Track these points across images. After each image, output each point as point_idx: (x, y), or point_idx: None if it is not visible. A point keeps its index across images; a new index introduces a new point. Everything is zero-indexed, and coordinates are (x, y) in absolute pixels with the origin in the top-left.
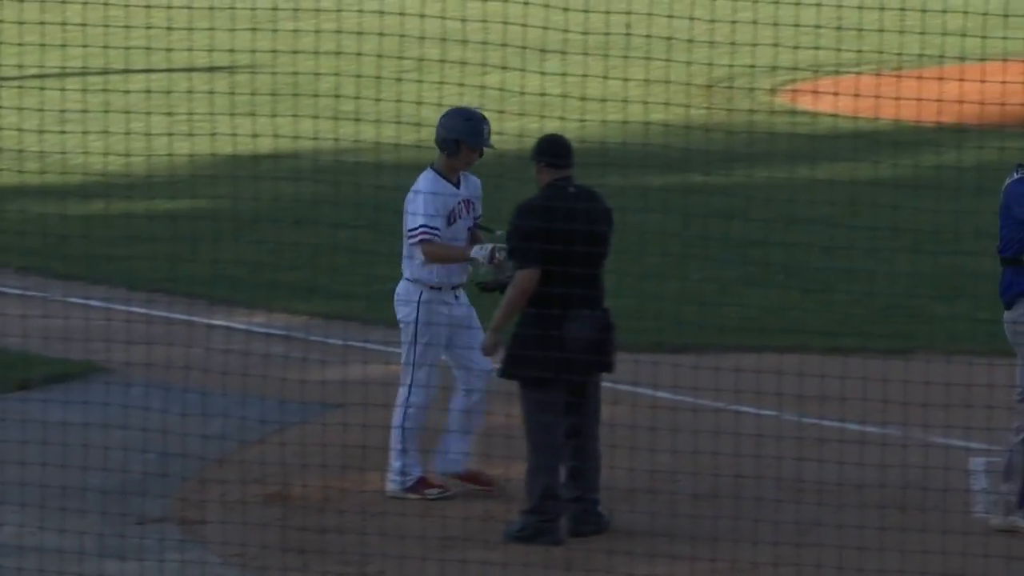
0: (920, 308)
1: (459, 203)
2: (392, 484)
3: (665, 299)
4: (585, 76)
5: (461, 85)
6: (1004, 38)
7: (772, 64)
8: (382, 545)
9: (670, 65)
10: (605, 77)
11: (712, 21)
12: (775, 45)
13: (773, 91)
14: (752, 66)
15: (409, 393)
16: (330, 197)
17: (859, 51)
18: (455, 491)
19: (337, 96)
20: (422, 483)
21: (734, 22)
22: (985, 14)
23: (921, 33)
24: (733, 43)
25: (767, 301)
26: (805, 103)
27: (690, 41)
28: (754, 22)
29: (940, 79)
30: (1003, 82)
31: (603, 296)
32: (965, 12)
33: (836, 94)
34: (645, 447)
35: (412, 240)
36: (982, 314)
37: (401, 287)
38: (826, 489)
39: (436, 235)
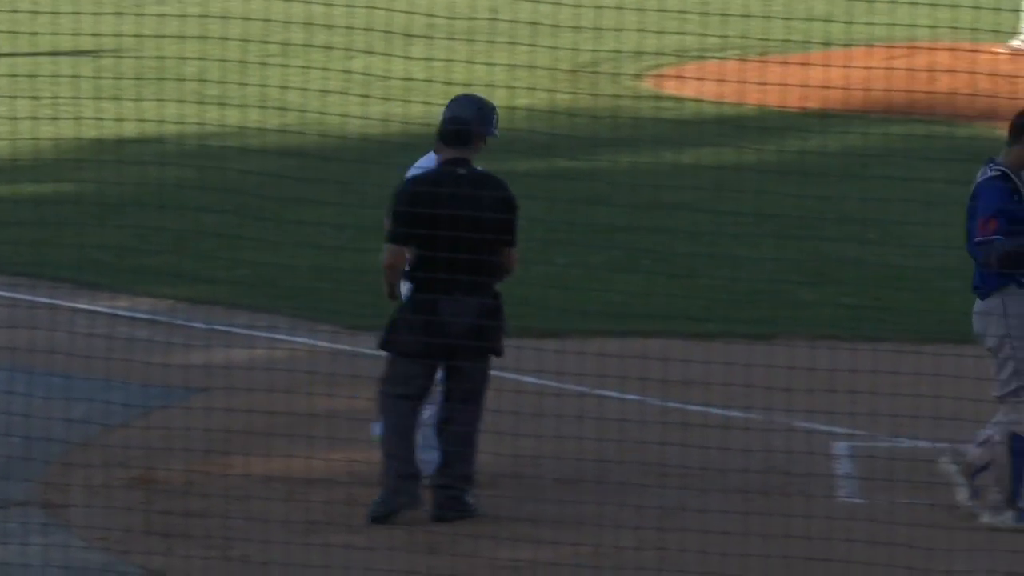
0: (784, 293)
1: None
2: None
3: (530, 284)
4: (450, 61)
5: (326, 70)
6: (869, 23)
7: (637, 49)
8: (245, 529)
9: (535, 50)
10: (470, 62)
11: (577, 6)
12: (640, 30)
13: (638, 76)
14: (617, 51)
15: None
16: (195, 182)
17: (724, 36)
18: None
19: (202, 80)
20: None
21: (599, 7)
22: (850, 0)
23: (786, 19)
24: (598, 28)
25: (632, 286)
26: (670, 88)
27: (555, 26)
28: (619, 7)
29: (805, 64)
30: (867, 68)
31: (486, 282)
32: None
33: (701, 79)
34: (509, 432)
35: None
36: (846, 299)
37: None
38: (689, 473)
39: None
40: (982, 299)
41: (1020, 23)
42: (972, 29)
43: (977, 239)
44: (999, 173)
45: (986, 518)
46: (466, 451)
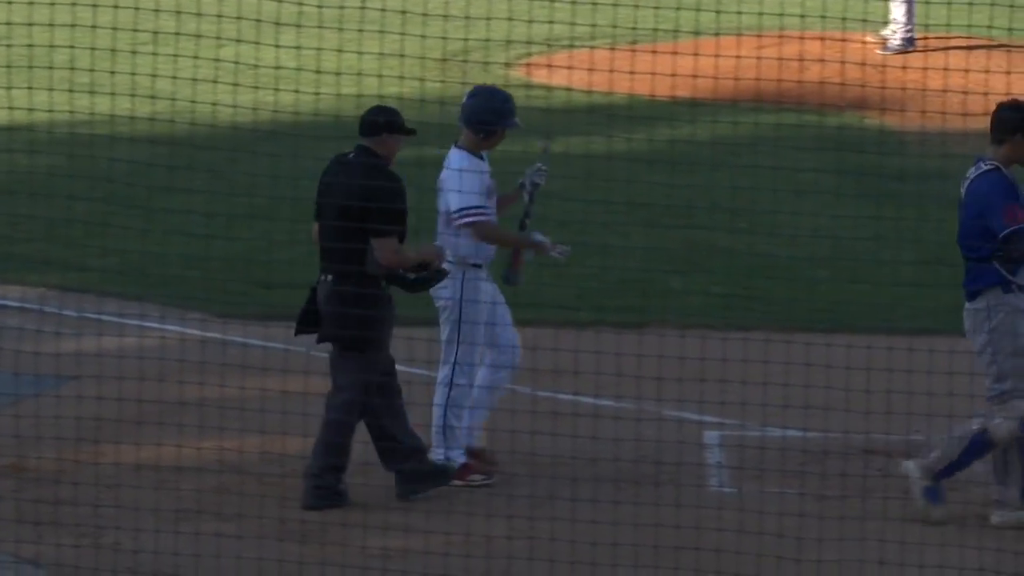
0: (655, 282)
1: (492, 179)
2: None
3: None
4: (320, 49)
5: (196, 58)
6: (738, 12)
7: (507, 38)
8: (116, 517)
9: (404, 38)
10: (340, 50)
11: None
12: (510, 19)
13: (508, 65)
14: (487, 40)
15: (453, 372)
16: (65, 169)
17: (594, 25)
18: (495, 477)
19: (72, 68)
20: (466, 469)
21: None
22: None
23: (656, 8)
24: (468, 17)
25: None
26: (540, 77)
27: (425, 15)
28: None
29: (674, 54)
30: (737, 57)
31: (353, 270)
32: None
33: (571, 68)
34: None
35: (464, 221)
36: (716, 288)
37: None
38: (560, 463)
39: (489, 215)
40: (969, 300)
41: (890, 12)
42: (842, 18)
43: (1008, 229)
44: (993, 167)
45: (996, 518)
46: (333, 440)
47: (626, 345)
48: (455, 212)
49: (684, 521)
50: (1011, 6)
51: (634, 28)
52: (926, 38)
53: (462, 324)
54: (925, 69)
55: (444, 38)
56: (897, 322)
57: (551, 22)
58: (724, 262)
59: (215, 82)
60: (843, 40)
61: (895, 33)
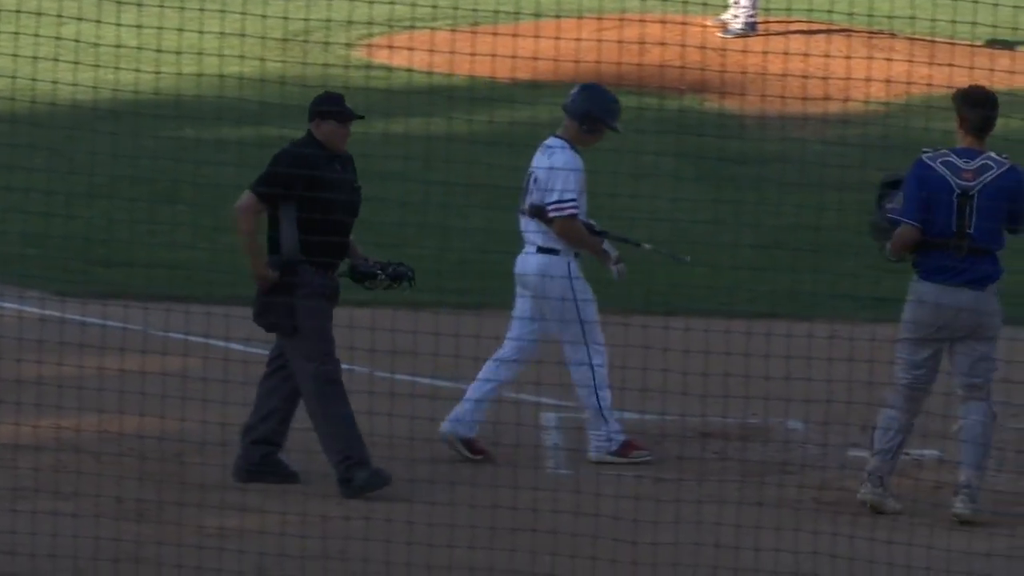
0: (494, 264)
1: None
2: (597, 451)
3: (238, 252)
4: (161, 28)
5: (37, 36)
6: None
7: (348, 18)
8: None
9: (246, 18)
10: (181, 29)
11: None
12: (351, 0)
13: (349, 45)
14: (328, 20)
15: (590, 355)
16: None
17: (435, 7)
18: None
19: None
20: (629, 446)
21: None
22: None
23: None
24: None
25: None
26: (381, 58)
27: None
28: None
29: (515, 36)
30: (577, 39)
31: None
32: None
33: (412, 49)
34: (217, 399)
35: (558, 212)
36: None
37: (546, 262)
38: (397, 443)
39: (575, 211)
40: (981, 289)
41: None
42: (683, 2)
43: None
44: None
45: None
46: (332, 430)
47: (465, 326)
48: (552, 203)
49: (521, 503)
50: None
51: (475, 10)
52: (767, 22)
53: (579, 303)
54: (765, 53)
55: (285, 18)
56: (735, 305)
57: (392, 3)
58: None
59: (56, 60)
60: (684, 23)
61: (737, 17)
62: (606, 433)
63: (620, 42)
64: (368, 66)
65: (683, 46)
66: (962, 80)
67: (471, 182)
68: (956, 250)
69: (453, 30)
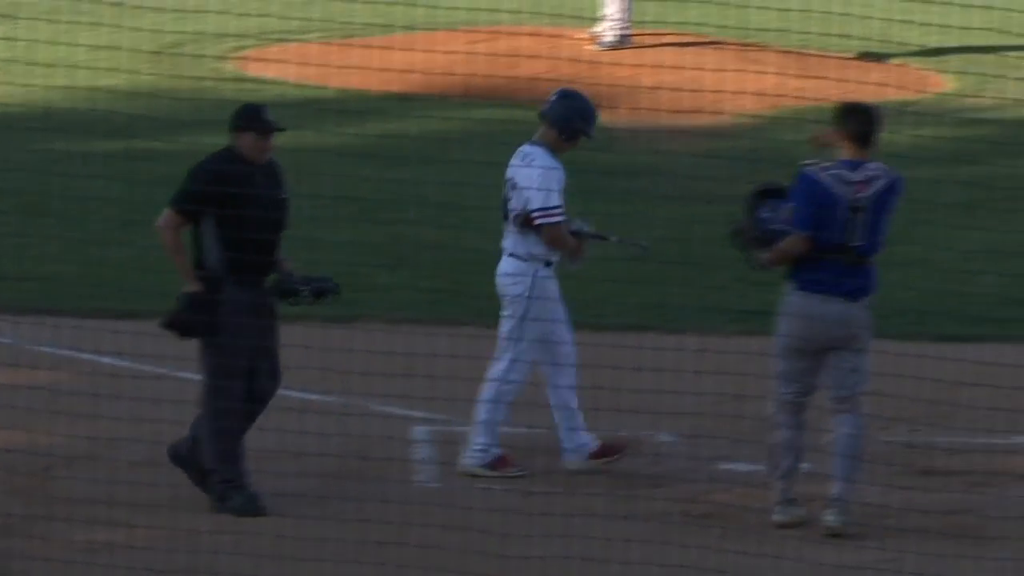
0: (363, 277)
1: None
2: (471, 460)
3: (108, 265)
4: (33, 41)
5: None
6: (452, 8)
7: (220, 31)
8: None
9: (118, 31)
10: (53, 42)
11: None
12: (223, 12)
13: (222, 58)
14: (200, 33)
15: (510, 368)
16: None
17: (307, 19)
18: (529, 471)
19: None
20: (502, 461)
21: None
22: None
23: (369, 2)
24: (181, 10)
25: None
26: (254, 70)
27: (138, 7)
28: None
29: (387, 48)
30: (449, 52)
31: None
32: None
33: (283, 61)
34: (87, 413)
35: (544, 220)
36: (423, 283)
37: (510, 266)
38: (266, 456)
39: (564, 218)
40: (858, 300)
41: (603, 8)
42: (556, 15)
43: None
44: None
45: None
46: (214, 441)
47: (334, 339)
48: (536, 210)
49: (390, 516)
50: (723, 4)
51: (347, 22)
52: (640, 35)
53: (527, 321)
54: (637, 66)
55: (157, 31)
56: (605, 318)
57: (264, 15)
58: (432, 257)
59: None
60: (556, 36)
61: (609, 29)
62: (483, 444)
63: (492, 55)
64: (240, 78)
65: (555, 59)
66: (834, 92)
67: (341, 195)
68: (845, 260)
69: (325, 42)
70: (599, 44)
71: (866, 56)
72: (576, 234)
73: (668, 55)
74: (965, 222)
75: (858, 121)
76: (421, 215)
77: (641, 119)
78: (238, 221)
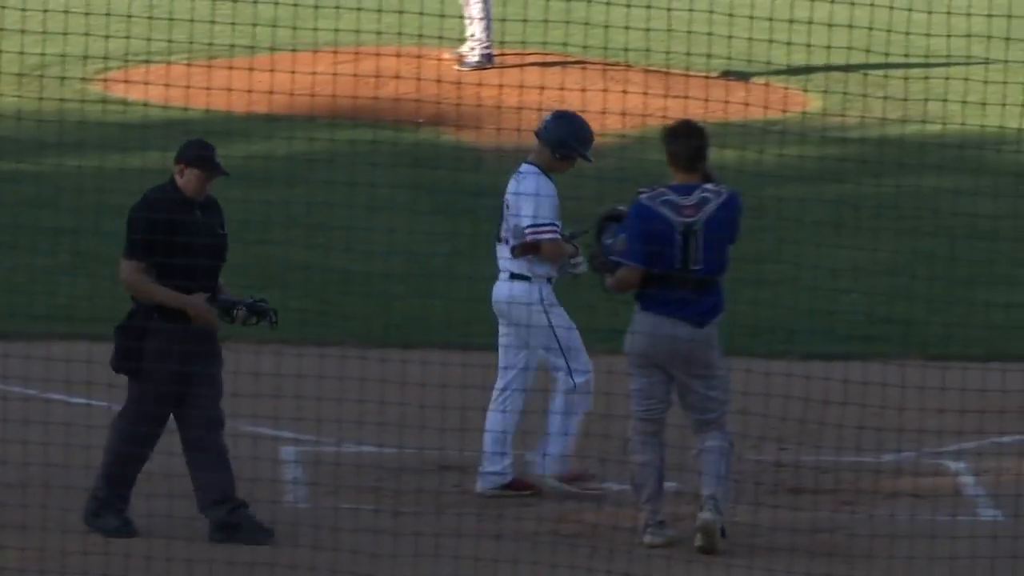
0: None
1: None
2: (488, 483)
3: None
4: None
5: None
6: (315, 29)
7: (84, 53)
8: None
9: None
10: None
11: (23, 9)
12: (87, 34)
13: (85, 80)
14: (64, 55)
15: (574, 380)
16: None
17: (170, 40)
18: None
19: None
20: (575, 476)
21: (46, 10)
22: (296, 4)
23: (232, 24)
24: (45, 32)
25: (78, 289)
26: (118, 91)
27: (2, 29)
28: (66, 11)
29: (251, 69)
30: (313, 73)
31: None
32: (255, 2)
33: (148, 83)
34: None
35: (537, 236)
36: (292, 303)
37: (516, 289)
38: (142, 479)
39: (559, 233)
40: (707, 324)
41: (467, 29)
42: (418, 35)
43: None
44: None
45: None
46: (108, 469)
47: None
48: (528, 227)
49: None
50: (586, 24)
51: (211, 44)
52: (503, 54)
53: (556, 330)
54: (501, 86)
55: (21, 53)
56: (473, 338)
57: (128, 37)
58: (300, 277)
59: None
60: (420, 56)
61: (473, 50)
62: (502, 467)
63: (356, 75)
64: (104, 100)
65: (419, 79)
66: (698, 112)
67: None
68: (682, 284)
69: (189, 64)
70: (464, 64)
71: (730, 75)
72: (570, 239)
73: (532, 75)
74: (832, 240)
75: (680, 145)
76: (288, 235)
77: (507, 139)
78: (177, 252)
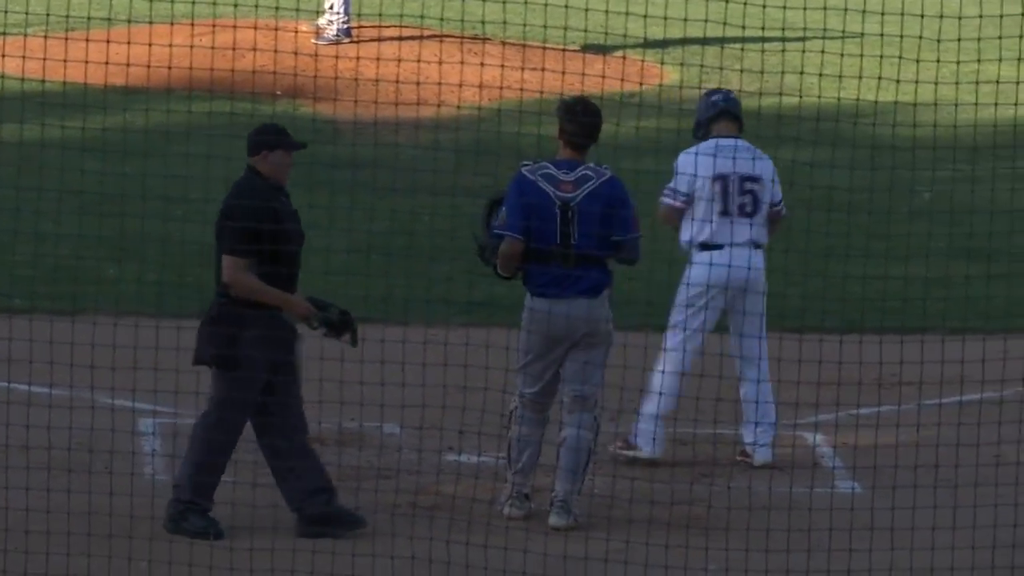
0: (89, 270)
1: None
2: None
3: None
4: None
5: None
6: (172, 1)
7: None
8: None
9: None
10: None
11: None
12: None
13: None
14: None
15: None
16: None
17: (26, 12)
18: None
19: None
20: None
21: None
22: None
23: None
24: None
25: None
26: None
27: None
28: None
29: (108, 41)
30: (170, 45)
31: (220, 286)
32: None
33: (4, 56)
34: None
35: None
36: (150, 276)
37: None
38: None
39: None
40: (595, 297)
41: (324, 2)
42: (275, 7)
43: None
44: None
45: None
46: (196, 458)
47: (60, 332)
48: (778, 203)
49: (118, 509)
50: None
51: (68, 16)
52: (361, 27)
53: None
54: (358, 58)
55: None
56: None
57: None
58: (158, 250)
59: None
60: (277, 29)
61: (331, 23)
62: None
63: (213, 48)
64: None
65: (276, 51)
66: (555, 85)
67: (64, 188)
68: (563, 260)
69: (46, 36)
70: (321, 38)
71: (588, 48)
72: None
73: (389, 48)
74: None
75: (576, 124)
76: (146, 208)
77: (364, 112)
78: (278, 239)
